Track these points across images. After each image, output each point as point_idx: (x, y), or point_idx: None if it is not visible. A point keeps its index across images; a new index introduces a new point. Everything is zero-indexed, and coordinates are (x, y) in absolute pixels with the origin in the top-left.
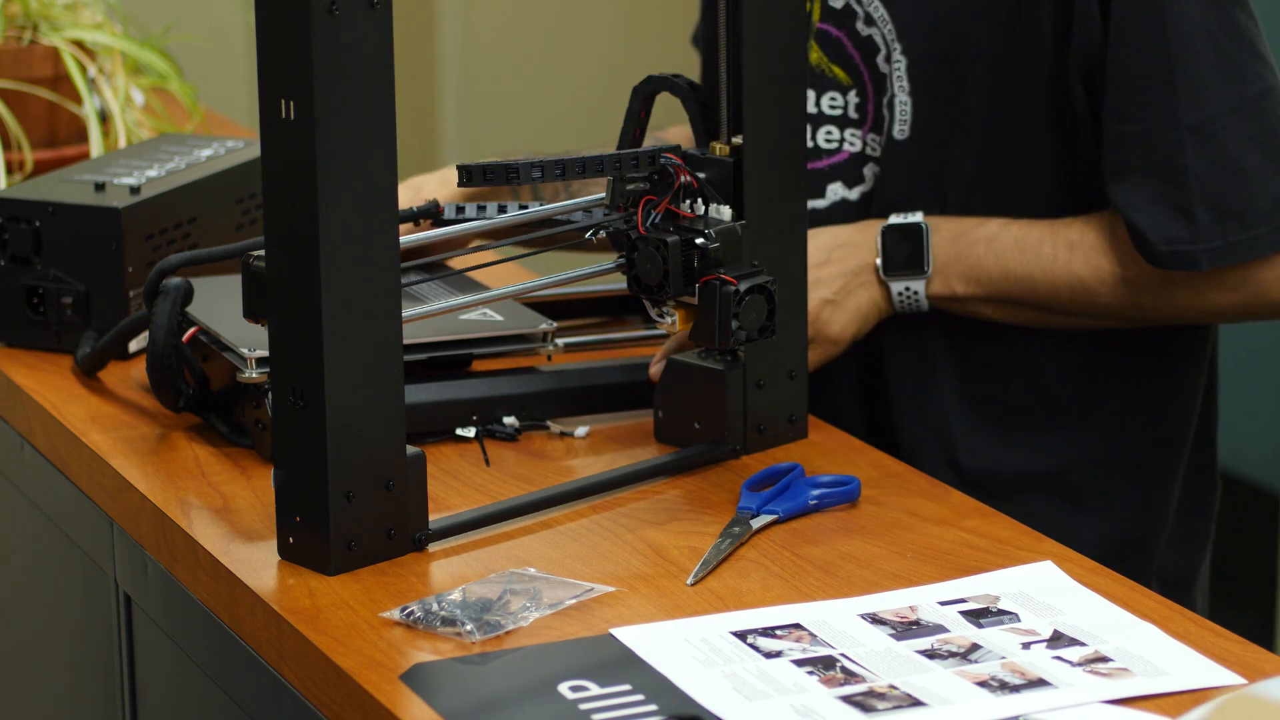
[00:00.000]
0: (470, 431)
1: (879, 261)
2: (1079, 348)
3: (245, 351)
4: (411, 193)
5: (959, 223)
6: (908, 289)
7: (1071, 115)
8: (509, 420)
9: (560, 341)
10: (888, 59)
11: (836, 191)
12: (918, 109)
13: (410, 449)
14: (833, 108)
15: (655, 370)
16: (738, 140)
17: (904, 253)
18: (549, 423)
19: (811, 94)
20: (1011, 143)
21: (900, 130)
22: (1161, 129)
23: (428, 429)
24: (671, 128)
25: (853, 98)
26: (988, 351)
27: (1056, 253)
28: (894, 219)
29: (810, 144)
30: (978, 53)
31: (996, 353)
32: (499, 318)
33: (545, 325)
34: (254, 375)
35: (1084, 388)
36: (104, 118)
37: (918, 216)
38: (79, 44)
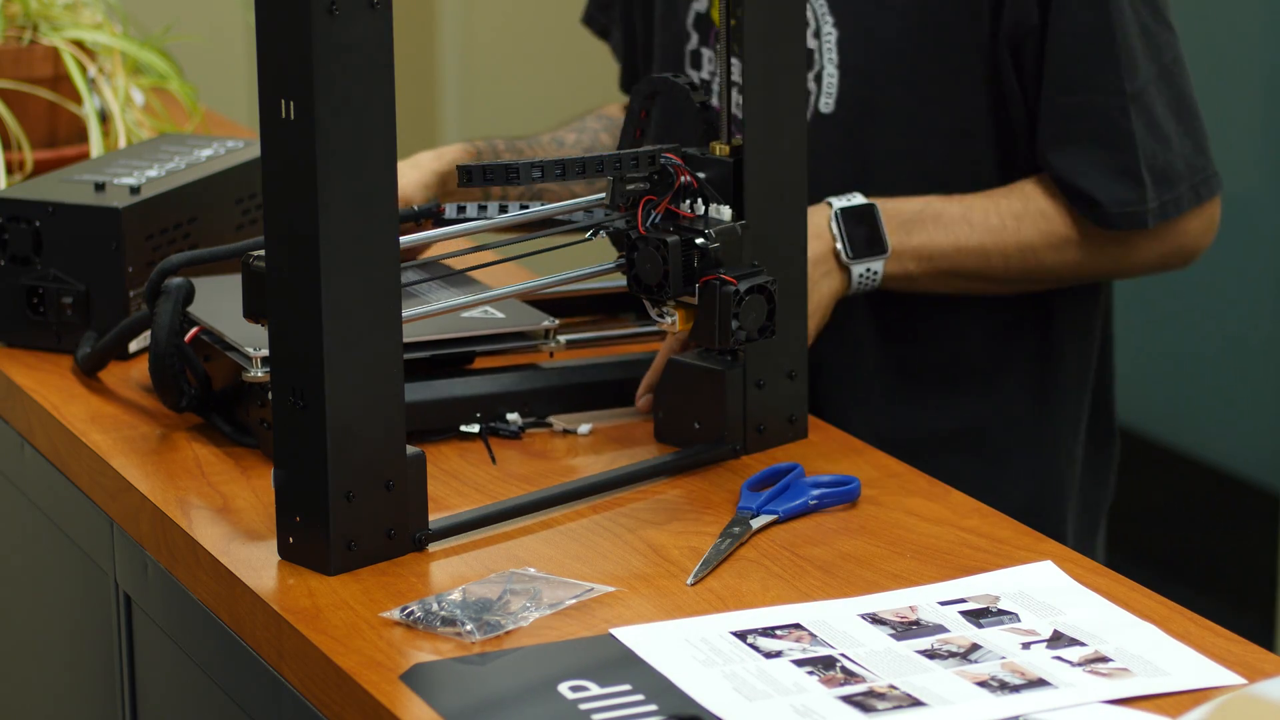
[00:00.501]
0: (474, 429)
1: (839, 246)
2: (993, 310)
3: (250, 351)
4: None
5: (902, 203)
6: (868, 270)
7: (998, 88)
8: (512, 417)
9: (562, 338)
10: (817, 33)
11: None
12: (844, 82)
13: (410, 449)
14: None
15: (643, 404)
16: (738, 140)
17: (862, 235)
18: (552, 420)
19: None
20: (937, 115)
21: (826, 104)
22: (1106, 98)
23: (430, 426)
24: (611, 104)
25: None
26: (909, 319)
27: (1004, 223)
28: (837, 202)
29: None
30: (909, 26)
31: (918, 319)
32: (500, 315)
33: (547, 322)
34: (259, 374)
35: (996, 348)
36: (104, 118)
37: (859, 198)
38: (79, 44)
